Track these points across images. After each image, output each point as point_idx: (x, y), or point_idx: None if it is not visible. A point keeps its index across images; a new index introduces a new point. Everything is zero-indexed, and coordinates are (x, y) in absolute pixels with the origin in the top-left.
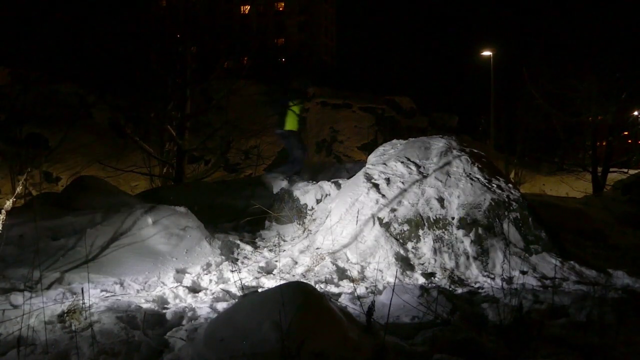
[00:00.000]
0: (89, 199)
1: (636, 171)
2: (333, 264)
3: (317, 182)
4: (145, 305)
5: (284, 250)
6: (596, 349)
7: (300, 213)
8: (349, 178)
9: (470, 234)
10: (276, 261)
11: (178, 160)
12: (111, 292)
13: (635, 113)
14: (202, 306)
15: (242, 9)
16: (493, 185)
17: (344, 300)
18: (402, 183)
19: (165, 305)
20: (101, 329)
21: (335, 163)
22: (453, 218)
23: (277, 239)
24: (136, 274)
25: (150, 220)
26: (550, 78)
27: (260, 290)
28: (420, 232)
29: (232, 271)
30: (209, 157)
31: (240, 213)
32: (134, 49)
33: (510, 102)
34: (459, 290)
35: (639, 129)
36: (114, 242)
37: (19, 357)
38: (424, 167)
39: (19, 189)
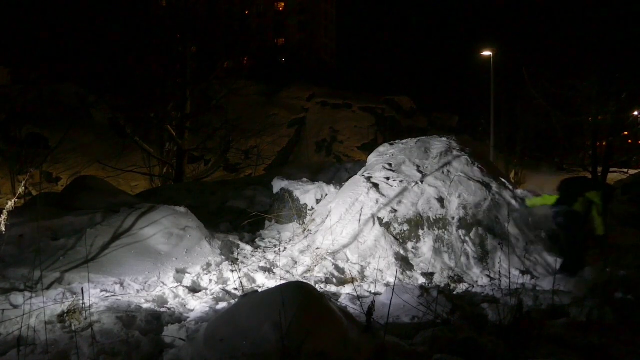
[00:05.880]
0: (89, 199)
1: (636, 171)
2: (333, 264)
3: (317, 182)
4: (145, 305)
5: (284, 250)
6: (596, 349)
7: (300, 213)
8: (349, 178)
9: (471, 234)
10: (276, 261)
11: (178, 160)
12: (111, 292)
13: (635, 113)
14: (202, 306)
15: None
16: (493, 185)
17: (344, 300)
18: (402, 183)
19: (165, 305)
20: (101, 329)
21: (335, 163)
22: (453, 218)
23: (277, 239)
24: (136, 274)
25: (150, 220)
26: (550, 78)
27: (260, 290)
28: (420, 232)
29: (232, 271)
30: (209, 157)
31: (240, 213)
32: (134, 49)
33: (510, 102)
34: (459, 290)
35: (639, 129)
36: (114, 242)
37: (19, 357)
38: (424, 167)
39: (20, 190)
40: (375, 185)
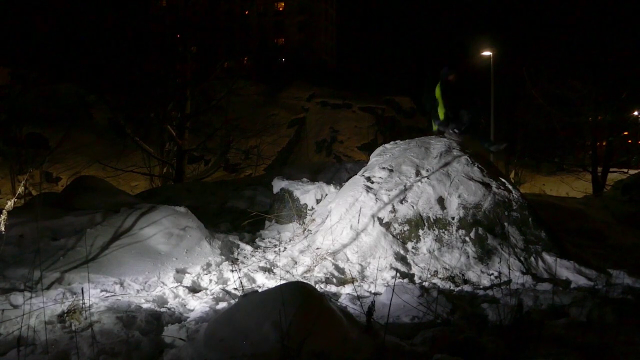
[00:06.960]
0: (89, 199)
1: (636, 171)
2: (333, 264)
3: (317, 182)
4: (145, 305)
5: (284, 250)
6: (596, 349)
7: (300, 213)
8: (349, 178)
9: (471, 234)
10: (276, 261)
11: (178, 160)
12: (111, 292)
13: (635, 113)
14: (202, 306)
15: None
16: (493, 185)
17: (344, 300)
18: (402, 183)
19: (165, 305)
20: (101, 329)
21: (335, 163)
22: (453, 218)
23: (277, 239)
24: (136, 274)
25: (150, 220)
26: (550, 78)
27: (260, 290)
28: (420, 232)
29: (232, 271)
30: (209, 157)
31: (240, 213)
32: (134, 49)
33: (510, 102)
34: (459, 290)
35: (639, 129)
36: (114, 242)
37: (19, 357)
38: (424, 167)
39: (20, 189)
40: (375, 185)
